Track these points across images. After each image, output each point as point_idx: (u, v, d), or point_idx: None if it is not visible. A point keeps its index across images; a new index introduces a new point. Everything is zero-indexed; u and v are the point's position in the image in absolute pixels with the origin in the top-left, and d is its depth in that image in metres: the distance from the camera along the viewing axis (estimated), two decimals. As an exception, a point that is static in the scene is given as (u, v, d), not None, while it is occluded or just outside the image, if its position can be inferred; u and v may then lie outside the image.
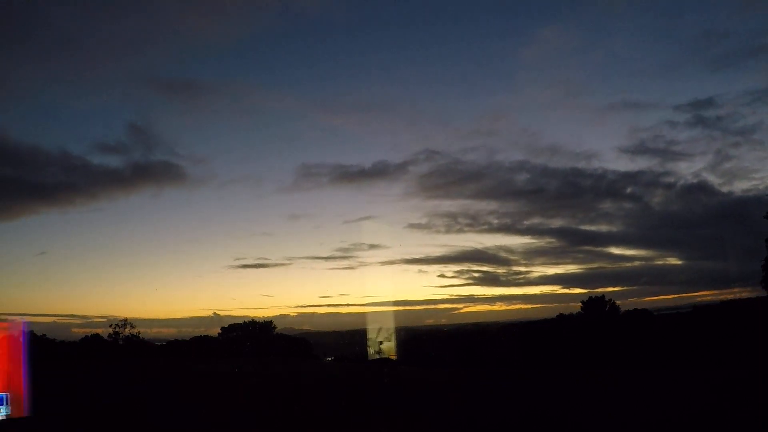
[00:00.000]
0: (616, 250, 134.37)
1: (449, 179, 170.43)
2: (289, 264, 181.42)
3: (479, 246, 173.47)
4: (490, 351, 54.85)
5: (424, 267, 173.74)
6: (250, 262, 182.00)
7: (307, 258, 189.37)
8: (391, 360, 43.54)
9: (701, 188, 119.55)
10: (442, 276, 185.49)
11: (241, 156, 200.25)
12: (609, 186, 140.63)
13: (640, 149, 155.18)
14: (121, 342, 66.81)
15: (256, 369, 40.46)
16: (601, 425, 14.56)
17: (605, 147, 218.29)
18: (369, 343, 44.95)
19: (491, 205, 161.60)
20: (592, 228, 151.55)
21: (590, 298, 53.75)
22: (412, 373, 36.73)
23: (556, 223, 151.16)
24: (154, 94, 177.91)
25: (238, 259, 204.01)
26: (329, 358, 71.94)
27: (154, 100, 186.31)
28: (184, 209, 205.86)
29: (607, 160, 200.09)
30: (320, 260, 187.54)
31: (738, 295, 50.76)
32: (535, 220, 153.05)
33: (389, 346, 42.83)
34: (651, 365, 35.90)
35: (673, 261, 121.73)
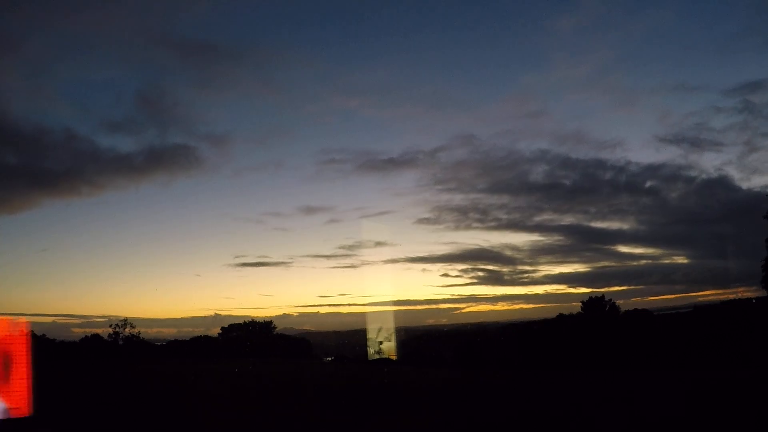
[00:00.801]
0: (624, 248, 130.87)
1: (464, 173, 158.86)
2: (291, 262, 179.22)
3: (485, 244, 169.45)
4: (490, 351, 54.89)
5: (428, 266, 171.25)
6: (251, 260, 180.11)
7: (310, 256, 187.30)
8: (391, 360, 43.55)
9: (720, 183, 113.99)
10: (446, 275, 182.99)
11: (261, 136, 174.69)
12: (628, 179, 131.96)
13: (669, 138, 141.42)
14: (121, 342, 66.80)
15: (256, 369, 40.47)
16: (601, 425, 14.58)
17: (634, 134, 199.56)
18: (369, 343, 44.95)
19: (503, 199, 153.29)
20: (603, 225, 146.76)
21: (590, 298, 53.76)
22: (412, 373, 36.75)
23: (567, 219, 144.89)
24: (168, 58, 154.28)
25: (239, 257, 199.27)
26: (329, 358, 71.94)
27: (167, 66, 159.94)
28: (195, 200, 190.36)
29: (633, 148, 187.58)
30: (322, 258, 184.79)
31: (741, 295, 50.68)
32: (546, 216, 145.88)
33: (389, 346, 42.83)
34: (650, 365, 35.90)
35: (681, 260, 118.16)
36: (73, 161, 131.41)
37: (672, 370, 32.92)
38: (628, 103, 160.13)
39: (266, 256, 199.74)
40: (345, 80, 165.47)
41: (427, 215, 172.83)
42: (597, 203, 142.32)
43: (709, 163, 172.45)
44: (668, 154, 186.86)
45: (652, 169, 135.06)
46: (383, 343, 42.66)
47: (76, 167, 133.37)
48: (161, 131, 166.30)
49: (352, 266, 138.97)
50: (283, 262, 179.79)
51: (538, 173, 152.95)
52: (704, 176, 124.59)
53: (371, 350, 44.05)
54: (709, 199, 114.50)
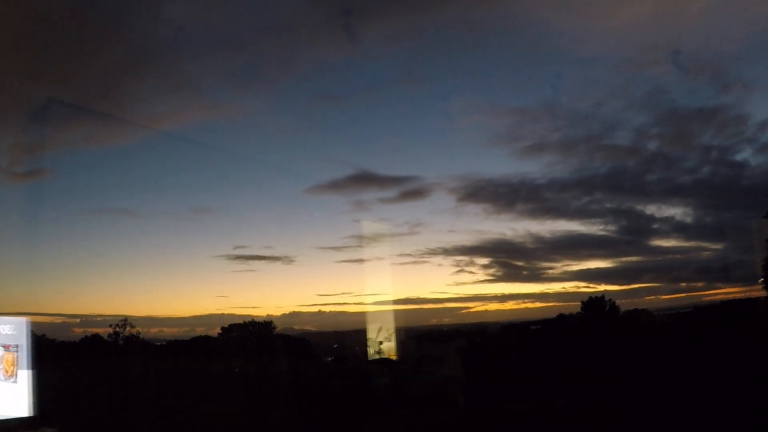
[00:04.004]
0: (661, 241, 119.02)
1: (539, 125, 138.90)
2: (295, 256, 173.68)
3: (511, 233, 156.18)
4: (490, 351, 54.90)
5: (445, 260, 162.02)
6: (253, 252, 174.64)
7: (316, 248, 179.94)
8: (392, 360, 43.52)
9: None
10: (461, 271, 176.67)
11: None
12: (722, 144, 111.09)
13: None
14: (121, 342, 66.76)
15: (255, 369, 40.46)
16: (601, 425, 14.60)
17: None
18: (369, 343, 44.88)
19: (563, 170, 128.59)
20: (654, 209, 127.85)
21: (590, 297, 53.72)
22: (411, 372, 36.75)
23: (619, 200, 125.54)
24: None
25: (239, 247, 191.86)
26: (329, 358, 71.81)
27: None
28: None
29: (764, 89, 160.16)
30: (330, 251, 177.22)
31: (746, 294, 50.42)
32: (598, 196, 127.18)
33: (389, 347, 42.78)
34: (649, 366, 35.93)
35: (708, 255, 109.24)
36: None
37: (672, 370, 32.95)
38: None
39: (271, 246, 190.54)
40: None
41: (472, 191, 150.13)
42: (667, 181, 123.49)
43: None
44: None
45: (759, 126, 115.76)
46: (383, 343, 42.61)
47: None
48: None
49: (360, 261, 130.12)
50: (286, 256, 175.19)
51: (628, 130, 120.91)
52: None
53: (371, 350, 43.99)
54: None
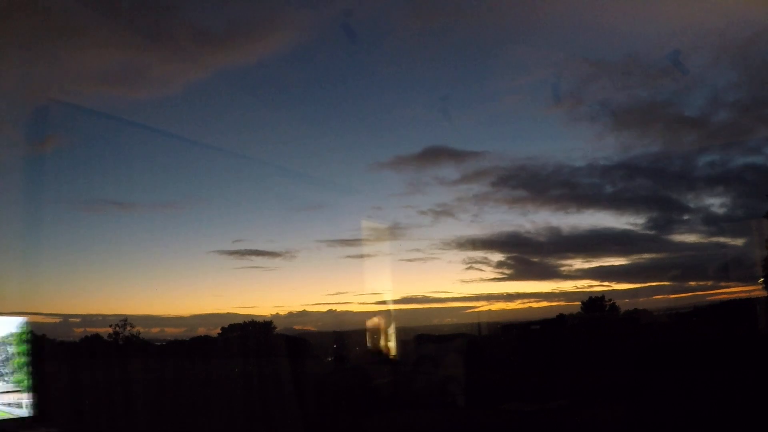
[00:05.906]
0: (683, 237, 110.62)
1: (602, 90, 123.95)
2: (295, 255, 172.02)
3: (530, 226, 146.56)
4: (490, 350, 54.90)
5: (455, 256, 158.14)
6: (253, 248, 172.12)
7: (321, 242, 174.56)
8: (392, 360, 43.58)
9: None
10: (471, 267, 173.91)
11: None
12: None
13: None
14: (121, 342, 66.76)
15: (255, 369, 40.46)
16: (601, 425, 14.60)
17: None
18: (369, 343, 44.93)
19: (608, 147, 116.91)
20: (690, 197, 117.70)
21: (590, 297, 53.58)
22: (411, 372, 36.75)
23: (656, 188, 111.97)
24: None
25: (238, 241, 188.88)
26: (329, 358, 71.83)
27: None
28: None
29: None
30: (336, 246, 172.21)
31: (750, 294, 50.18)
32: (637, 181, 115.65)
33: (390, 347, 42.83)
34: (649, 366, 35.90)
35: (728, 252, 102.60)
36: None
37: (670, 370, 32.94)
38: None
39: (273, 240, 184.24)
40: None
41: (510, 173, 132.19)
42: (719, 164, 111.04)
43: None
44: None
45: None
46: (384, 343, 42.69)
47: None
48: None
49: (366, 257, 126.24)
50: (287, 252, 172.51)
51: (703, 94, 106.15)
52: None
53: (372, 350, 44.10)
54: None
